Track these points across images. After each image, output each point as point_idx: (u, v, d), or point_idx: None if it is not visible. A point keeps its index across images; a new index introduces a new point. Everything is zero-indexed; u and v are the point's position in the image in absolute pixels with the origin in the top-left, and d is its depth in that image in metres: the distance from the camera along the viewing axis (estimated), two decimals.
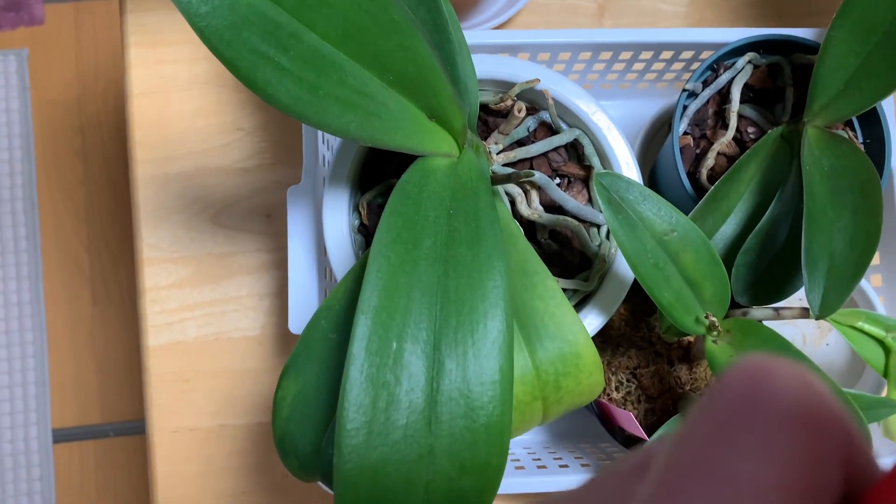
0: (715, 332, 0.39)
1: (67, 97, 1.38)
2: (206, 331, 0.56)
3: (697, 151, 0.48)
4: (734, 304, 0.45)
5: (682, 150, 0.48)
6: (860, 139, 0.49)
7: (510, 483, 0.46)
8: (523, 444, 0.54)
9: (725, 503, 0.11)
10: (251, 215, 0.57)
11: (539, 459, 0.50)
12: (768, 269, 0.41)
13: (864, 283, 0.51)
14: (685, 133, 0.49)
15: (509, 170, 0.43)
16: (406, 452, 0.30)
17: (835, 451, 0.12)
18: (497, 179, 0.38)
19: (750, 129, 0.48)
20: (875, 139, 0.48)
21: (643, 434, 0.42)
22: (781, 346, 0.37)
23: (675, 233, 0.36)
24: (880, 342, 0.44)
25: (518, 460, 0.50)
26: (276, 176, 0.57)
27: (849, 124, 0.49)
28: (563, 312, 0.37)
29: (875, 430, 0.48)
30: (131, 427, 1.32)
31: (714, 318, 0.38)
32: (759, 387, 0.13)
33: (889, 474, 0.12)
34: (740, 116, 0.48)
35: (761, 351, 0.38)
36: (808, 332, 0.55)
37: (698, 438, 0.13)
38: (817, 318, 0.37)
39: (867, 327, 0.44)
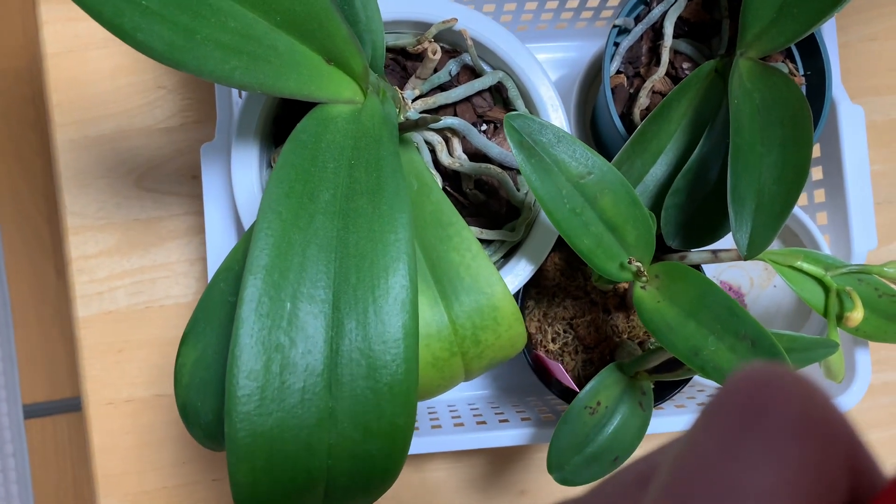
0: (644, 278, 0.38)
1: (17, 65, 1.33)
2: (137, 299, 0.54)
3: (631, 91, 0.46)
4: (670, 249, 0.44)
5: (615, 89, 0.46)
6: (801, 71, 0.47)
7: (447, 440, 0.45)
8: (468, 402, 0.53)
9: None
10: (177, 177, 0.55)
11: (480, 415, 0.49)
12: (699, 210, 0.40)
13: (808, 221, 0.49)
14: (618, 72, 0.46)
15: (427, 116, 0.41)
16: (305, 417, 0.29)
17: (840, 460, 0.12)
18: (405, 126, 0.35)
19: (685, 65, 0.46)
20: (816, 70, 0.46)
21: (573, 385, 0.41)
22: (708, 288, 0.35)
23: (591, 175, 0.34)
24: (819, 281, 0.42)
25: (459, 417, 0.49)
26: (201, 135, 0.55)
27: (790, 57, 0.47)
28: (479, 264, 0.35)
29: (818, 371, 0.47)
30: None
31: (639, 263, 0.36)
32: (763, 395, 0.13)
33: (893, 481, 0.12)
34: (675, 52, 0.46)
35: (691, 296, 0.36)
36: (754, 275, 0.53)
37: (702, 448, 0.12)
38: (746, 258, 0.36)
39: (806, 266, 0.42)
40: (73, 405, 1.30)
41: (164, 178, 0.55)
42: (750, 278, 0.53)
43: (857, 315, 0.41)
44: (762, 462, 0.12)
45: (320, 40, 0.33)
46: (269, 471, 0.29)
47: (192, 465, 0.54)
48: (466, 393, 0.55)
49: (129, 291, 0.54)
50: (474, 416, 0.49)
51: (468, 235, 0.35)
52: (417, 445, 0.45)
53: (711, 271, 0.53)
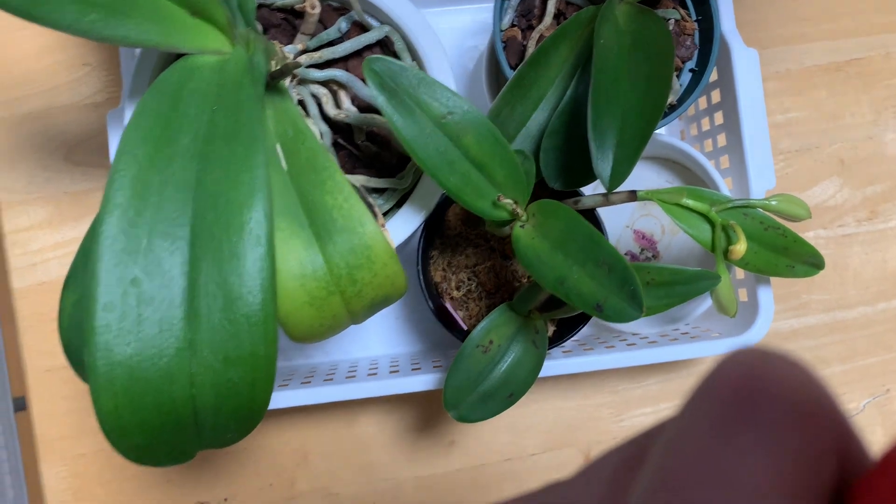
0: (522, 217, 0.39)
1: None
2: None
3: (525, 43, 0.47)
4: (566, 194, 0.45)
5: (508, 42, 0.47)
6: (693, 17, 0.48)
7: (359, 388, 0.47)
8: (390, 358, 0.54)
9: (724, 501, 0.11)
10: (105, 150, 0.56)
11: (397, 367, 0.50)
12: (577, 151, 0.41)
13: (709, 165, 0.50)
14: (512, 25, 0.48)
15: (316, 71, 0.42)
16: (163, 346, 0.30)
17: (830, 445, 0.12)
18: (274, 75, 0.37)
19: None
20: (707, 16, 0.47)
21: (464, 325, 0.42)
22: (574, 220, 0.37)
23: (452, 115, 0.36)
24: (705, 217, 0.43)
25: (376, 368, 0.51)
26: None
27: (682, 3, 0.48)
28: (351, 205, 0.36)
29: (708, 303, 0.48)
30: None
31: (509, 201, 0.37)
32: (754, 380, 0.13)
33: (878, 465, 0.12)
34: (567, 2, 0.47)
35: (560, 229, 0.37)
36: (665, 222, 0.54)
37: (694, 434, 0.12)
38: (608, 191, 0.37)
39: (691, 203, 0.43)
40: None
41: (93, 151, 0.56)
42: (661, 226, 0.54)
43: (740, 247, 0.42)
44: (755, 449, 0.12)
45: None
46: (130, 398, 0.30)
47: None
48: (394, 350, 0.56)
49: (63, 262, 0.56)
50: (391, 368, 0.51)
51: (341, 178, 0.37)
52: (330, 393, 0.47)
53: (625, 220, 0.54)
